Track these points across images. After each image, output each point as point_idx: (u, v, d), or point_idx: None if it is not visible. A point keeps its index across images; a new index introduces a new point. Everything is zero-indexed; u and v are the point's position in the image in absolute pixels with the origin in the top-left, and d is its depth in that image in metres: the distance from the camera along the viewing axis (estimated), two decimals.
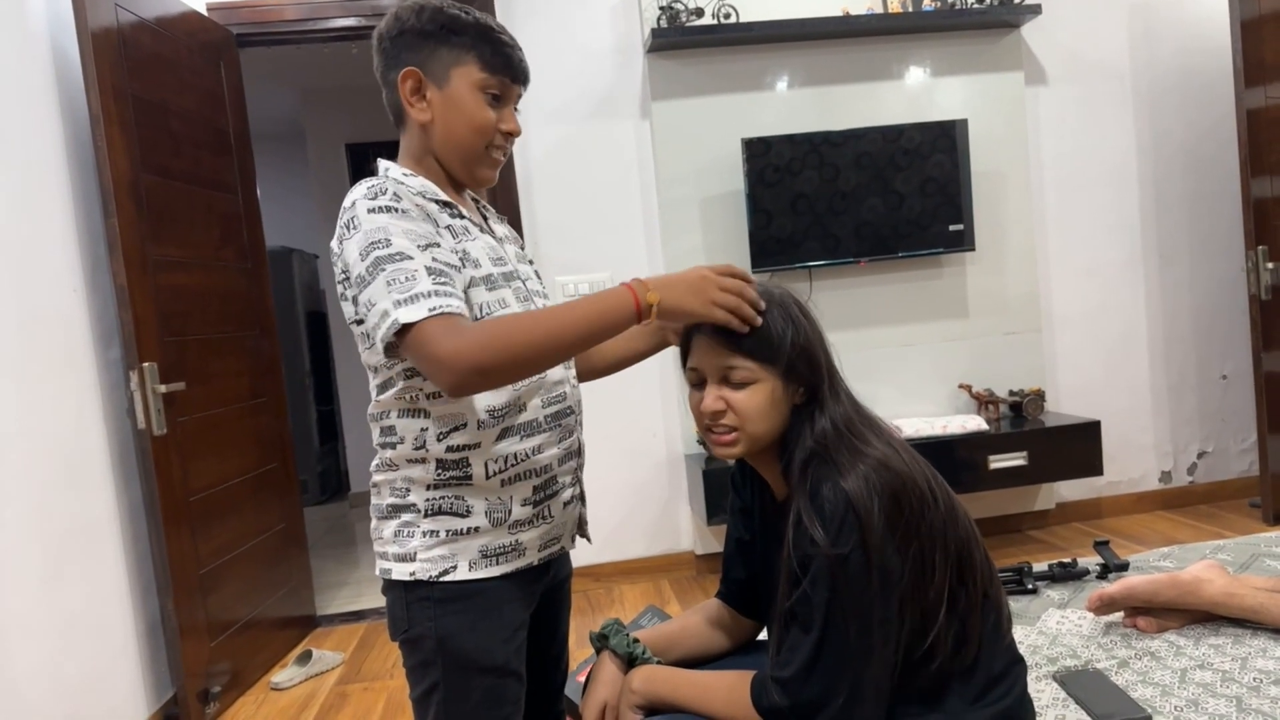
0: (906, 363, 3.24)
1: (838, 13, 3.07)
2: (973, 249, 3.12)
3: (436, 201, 1.08)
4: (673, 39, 2.95)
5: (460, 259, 1.06)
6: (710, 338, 1.07)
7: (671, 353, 1.19)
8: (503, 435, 1.09)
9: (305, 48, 3.23)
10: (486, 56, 1.10)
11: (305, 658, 2.69)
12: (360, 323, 1.07)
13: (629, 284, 1.03)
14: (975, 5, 3.09)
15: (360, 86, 4.70)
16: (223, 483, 2.59)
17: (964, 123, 3.08)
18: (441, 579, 1.07)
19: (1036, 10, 3.10)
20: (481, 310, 1.06)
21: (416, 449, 1.08)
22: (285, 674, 2.63)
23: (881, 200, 3.05)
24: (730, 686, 1.08)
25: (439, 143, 1.12)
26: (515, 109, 1.16)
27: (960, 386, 3.23)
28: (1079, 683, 1.33)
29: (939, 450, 2.89)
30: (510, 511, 1.10)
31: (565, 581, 1.29)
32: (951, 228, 3.09)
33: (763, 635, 1.29)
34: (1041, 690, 1.33)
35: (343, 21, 2.95)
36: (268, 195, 3.33)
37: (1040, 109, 3.31)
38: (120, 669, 2.28)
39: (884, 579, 0.97)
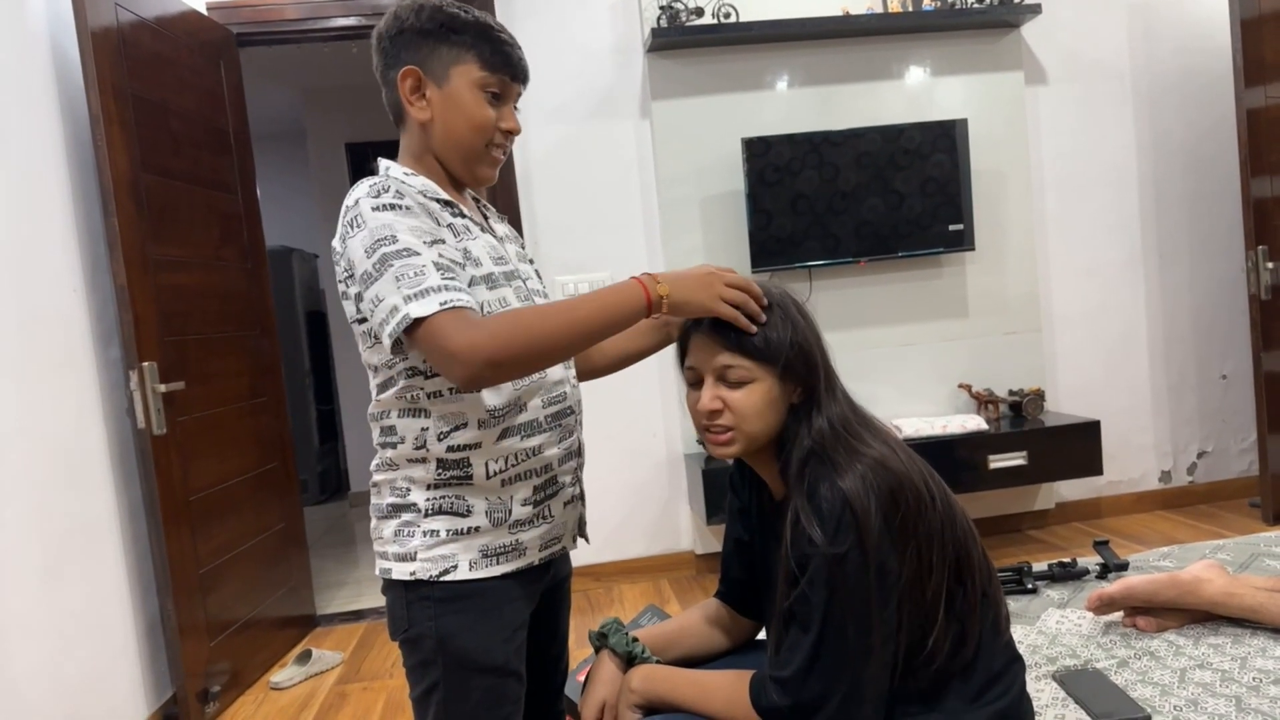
0: (906, 362, 3.24)
1: (838, 12, 3.07)
2: (972, 249, 3.12)
3: (438, 200, 1.08)
4: (673, 38, 2.95)
5: (463, 257, 1.06)
6: (707, 336, 1.07)
7: (671, 352, 1.19)
8: (503, 435, 1.09)
9: (305, 47, 3.24)
10: (486, 55, 1.10)
11: (305, 657, 2.70)
12: (362, 321, 1.07)
13: (639, 278, 1.04)
14: (975, 5, 3.09)
15: (360, 86, 4.69)
16: (222, 482, 2.59)
17: (964, 122, 3.08)
18: (442, 578, 1.07)
19: (1036, 10, 3.10)
20: (483, 309, 1.06)
21: (417, 448, 1.08)
22: (285, 674, 2.63)
23: (881, 200, 3.05)
24: (729, 686, 1.08)
25: (439, 141, 1.12)
26: (515, 107, 1.16)
27: (960, 386, 3.23)
28: (1078, 682, 1.33)
29: (939, 450, 2.89)
30: (511, 511, 1.10)
31: (565, 581, 1.29)
32: (951, 227, 3.09)
33: (762, 635, 1.29)
34: (1041, 690, 1.33)
35: (343, 21, 2.95)
36: (268, 195, 3.33)
37: (1040, 109, 3.31)
38: (120, 669, 2.28)
39: (882, 578, 0.97)
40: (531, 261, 1.26)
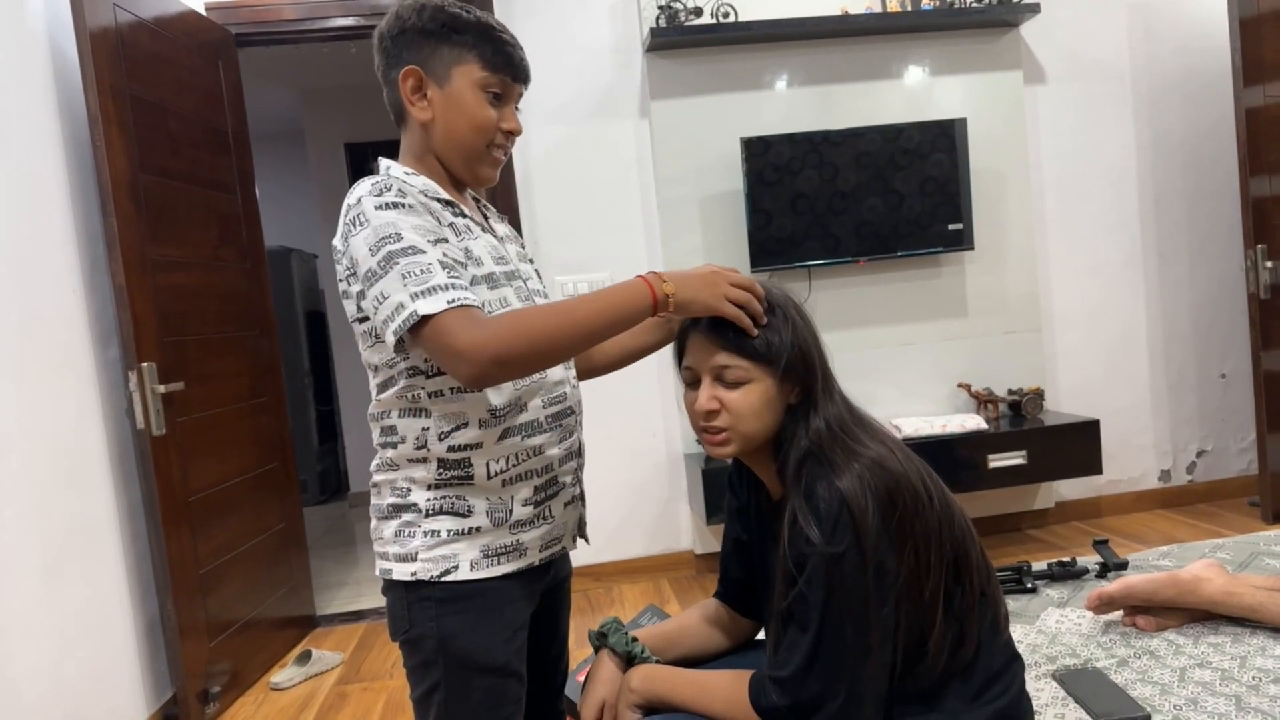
0: (906, 362, 3.24)
1: (837, 12, 3.07)
2: (972, 248, 3.13)
3: (439, 200, 1.08)
4: (672, 38, 2.95)
5: (464, 256, 1.06)
6: (705, 336, 1.07)
7: (671, 351, 1.19)
8: (505, 435, 1.09)
9: (304, 47, 3.24)
10: (488, 55, 1.10)
11: (305, 658, 2.69)
12: (364, 320, 1.07)
13: (644, 277, 1.04)
14: (974, 4, 3.09)
15: (359, 86, 4.70)
16: (222, 483, 2.59)
17: (963, 122, 3.08)
18: (443, 579, 1.07)
19: (1035, 9, 3.10)
20: (484, 308, 1.06)
21: (418, 448, 1.08)
22: (285, 674, 2.63)
23: (881, 200, 3.05)
24: (729, 686, 1.08)
25: (440, 141, 1.12)
26: (516, 108, 1.16)
27: (959, 386, 3.23)
28: (1078, 681, 1.33)
29: (938, 449, 2.89)
30: (511, 511, 1.10)
31: (565, 581, 1.29)
32: (951, 227, 3.09)
33: (761, 635, 1.29)
34: (1041, 689, 1.33)
35: (341, 21, 2.95)
36: (267, 195, 3.33)
37: (1039, 108, 3.31)
38: (120, 669, 2.28)
39: (879, 578, 0.97)
40: (531, 261, 1.26)
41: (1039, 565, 1.83)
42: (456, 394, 1.06)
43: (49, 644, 2.01)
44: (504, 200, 2.99)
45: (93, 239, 2.37)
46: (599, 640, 1.24)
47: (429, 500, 1.08)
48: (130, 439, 2.40)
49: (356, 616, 3.18)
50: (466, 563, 1.08)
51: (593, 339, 1.02)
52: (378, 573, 1.13)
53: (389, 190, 1.02)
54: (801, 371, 1.06)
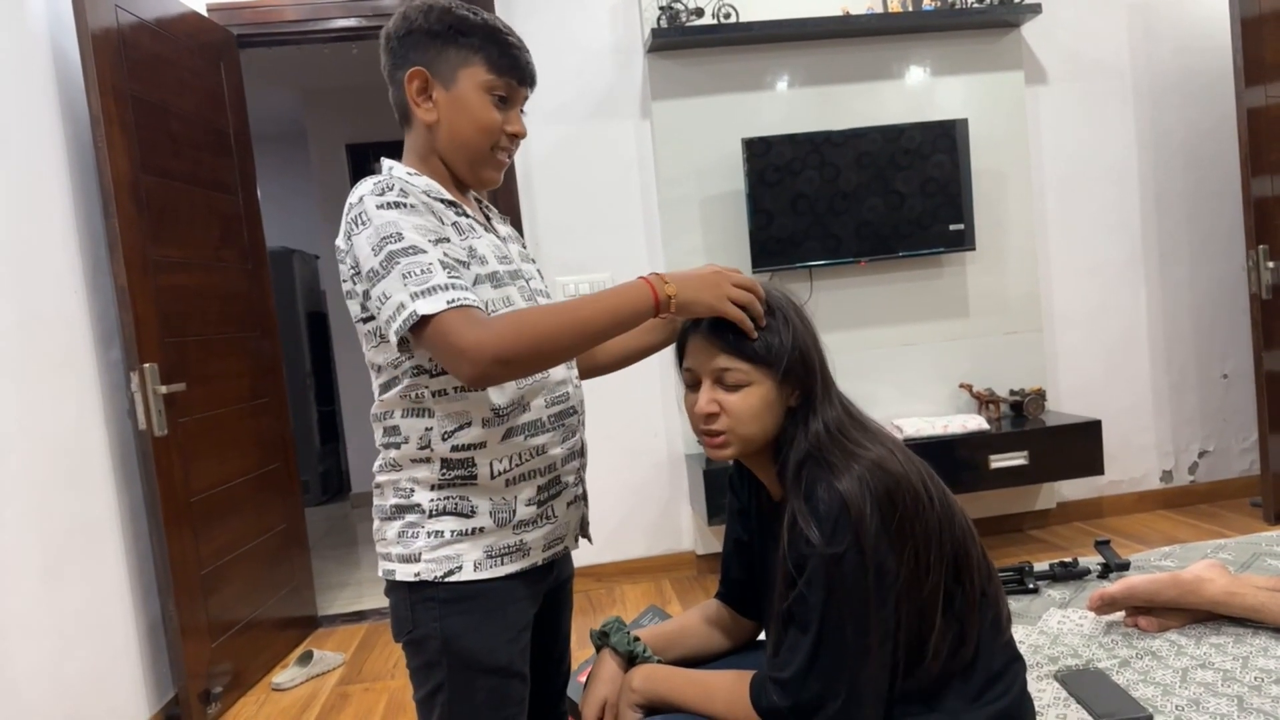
0: (907, 362, 3.24)
1: (838, 12, 3.07)
2: (973, 248, 3.12)
3: (442, 200, 1.08)
4: (673, 39, 2.95)
5: (467, 255, 1.06)
6: (705, 338, 1.07)
7: (672, 352, 1.19)
8: (508, 434, 1.09)
9: (306, 48, 3.24)
10: (494, 58, 1.10)
11: (306, 658, 2.70)
12: (367, 320, 1.07)
13: (646, 278, 1.04)
14: (975, 5, 3.08)
15: (361, 87, 4.71)
16: (224, 483, 2.59)
17: (964, 122, 3.08)
18: (446, 579, 1.07)
19: (1036, 10, 3.10)
20: (488, 307, 1.06)
21: (421, 449, 1.08)
22: (286, 674, 2.63)
23: (882, 200, 3.05)
24: (730, 686, 1.08)
25: (444, 143, 1.12)
26: (521, 111, 1.16)
27: (961, 386, 3.23)
28: (1080, 682, 1.33)
29: (939, 450, 2.89)
30: (515, 511, 1.10)
31: (567, 582, 1.30)
32: (952, 227, 3.09)
33: (763, 635, 1.29)
34: (1043, 690, 1.33)
35: (343, 22, 2.95)
36: (268, 196, 3.33)
37: (1040, 108, 3.31)
38: (121, 669, 2.28)
39: (879, 578, 0.97)
40: (533, 261, 1.26)
41: (1041, 566, 1.83)
42: (460, 393, 1.06)
43: (49, 644, 2.01)
44: (505, 200, 2.99)
45: (94, 240, 2.37)
46: (600, 639, 1.24)
47: (432, 501, 1.08)
48: (131, 439, 2.40)
49: (358, 617, 3.18)
50: (470, 563, 1.08)
51: (594, 339, 1.02)
52: (381, 573, 1.13)
53: (391, 190, 1.02)
54: (801, 374, 1.06)
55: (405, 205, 1.01)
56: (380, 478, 1.13)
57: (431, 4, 1.10)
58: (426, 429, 1.07)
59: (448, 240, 1.03)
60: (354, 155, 4.90)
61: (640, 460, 3.19)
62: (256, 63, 3.66)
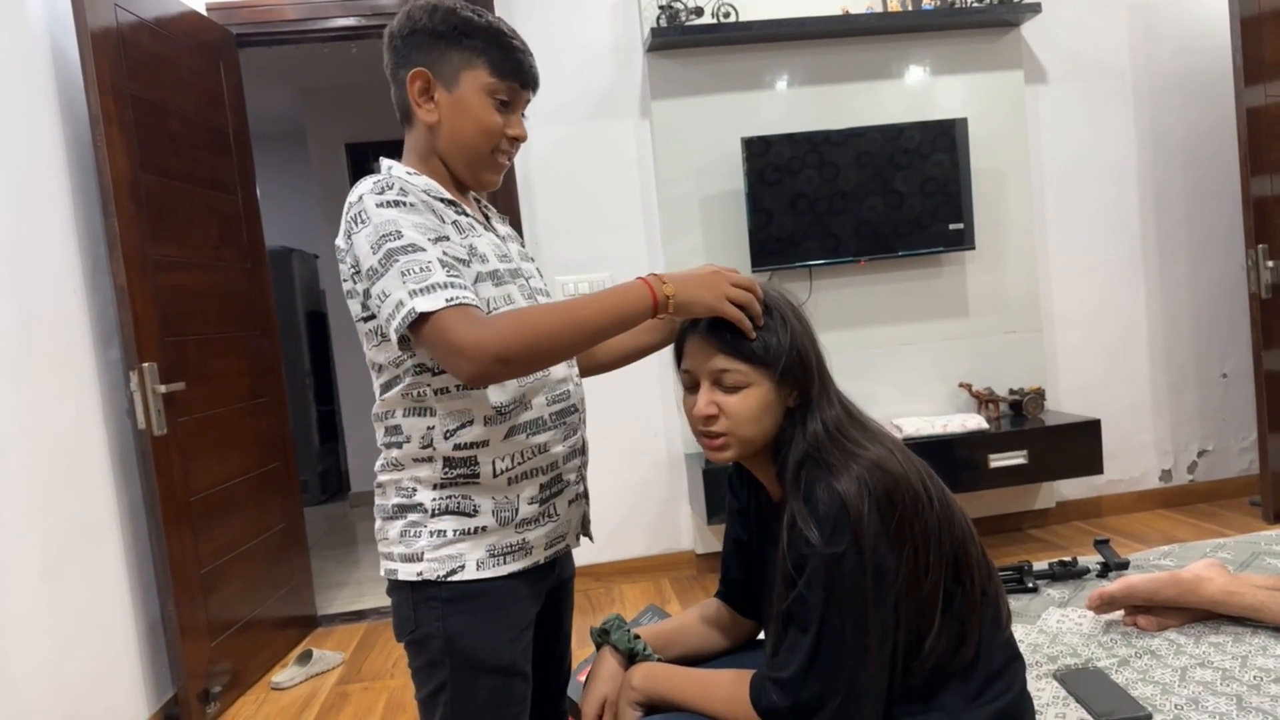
0: (906, 361, 3.24)
1: (837, 11, 3.07)
2: (973, 248, 3.12)
3: (441, 199, 1.08)
4: (672, 38, 2.95)
5: (468, 253, 1.06)
6: (704, 339, 1.07)
7: (671, 352, 1.19)
8: (510, 433, 1.09)
9: (305, 47, 3.23)
10: (497, 61, 1.10)
11: (306, 657, 2.70)
12: (368, 319, 1.07)
13: (645, 278, 1.04)
14: (975, 4, 3.08)
15: (360, 86, 4.70)
16: (223, 483, 2.59)
17: (964, 121, 3.08)
18: (449, 579, 1.07)
19: (1036, 9, 3.10)
20: (488, 306, 1.06)
21: (423, 447, 1.08)
22: (286, 674, 2.63)
23: (881, 199, 3.05)
24: (730, 686, 1.08)
25: (445, 144, 1.12)
26: (523, 114, 1.16)
27: (960, 385, 3.23)
28: (1079, 681, 1.33)
29: (939, 449, 2.89)
30: (518, 510, 1.10)
31: (569, 581, 1.30)
32: (951, 227, 3.09)
33: (762, 635, 1.29)
34: (1042, 689, 1.33)
35: (342, 21, 2.95)
36: (267, 195, 3.33)
37: (1040, 108, 3.31)
38: (120, 669, 2.28)
39: (879, 578, 0.97)
40: (532, 260, 1.26)
41: (1040, 565, 1.83)
42: (462, 391, 1.06)
43: (49, 644, 2.01)
44: (505, 200, 2.99)
45: (93, 239, 2.37)
46: (601, 637, 1.24)
47: (435, 500, 1.08)
48: (131, 439, 2.40)
49: (357, 616, 3.18)
50: (473, 562, 1.08)
51: (593, 339, 1.02)
52: (383, 573, 1.13)
53: (390, 189, 1.02)
54: (799, 374, 1.06)
55: (405, 204, 1.01)
56: (382, 477, 1.13)
57: (436, 4, 1.10)
58: (428, 428, 1.07)
59: (447, 239, 1.03)
60: (353, 154, 4.90)
61: (640, 460, 3.19)
62: (256, 62, 3.65)
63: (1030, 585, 1.73)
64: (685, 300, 1.04)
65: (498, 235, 1.18)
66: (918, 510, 1.01)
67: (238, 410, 2.71)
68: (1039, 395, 3.17)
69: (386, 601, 1.13)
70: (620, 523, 3.19)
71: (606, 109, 3.10)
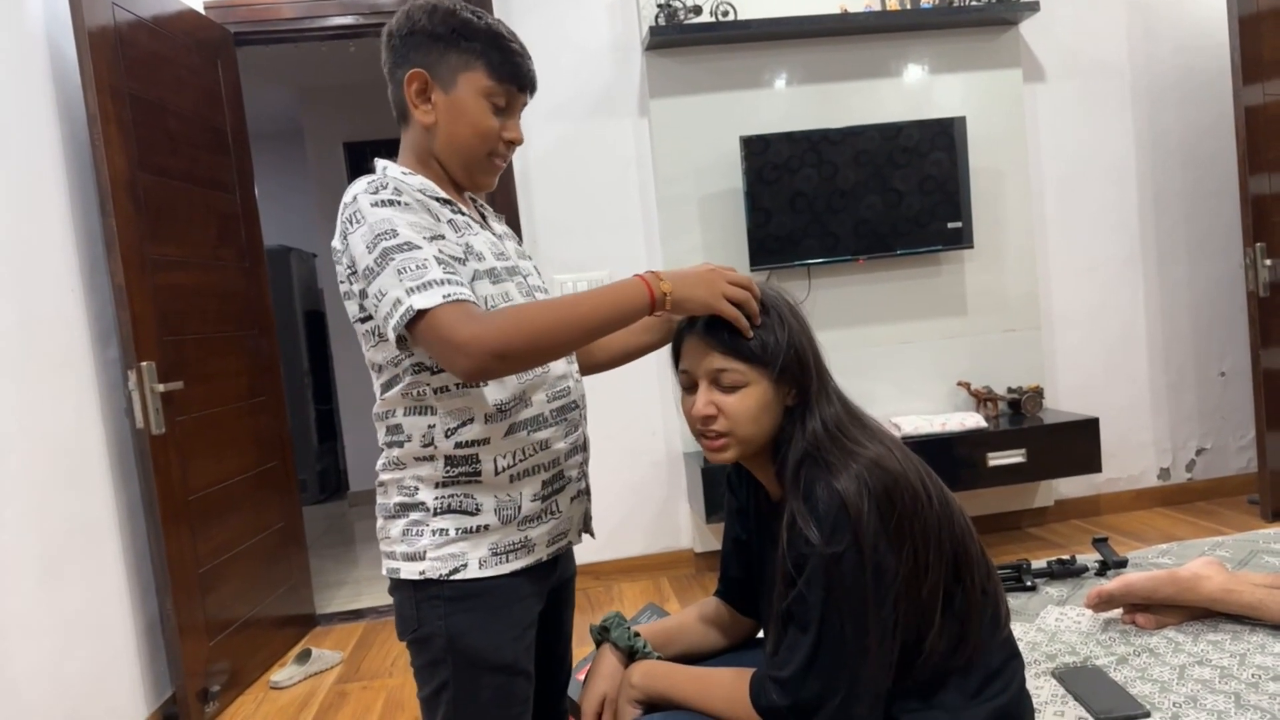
0: (905, 360, 3.24)
1: (836, 10, 3.06)
2: (971, 246, 3.13)
3: (436, 199, 1.08)
4: (671, 36, 2.95)
5: (464, 252, 1.06)
6: (701, 339, 1.07)
7: (669, 351, 1.19)
8: (511, 430, 1.09)
9: (303, 46, 3.24)
10: (495, 64, 1.10)
11: (304, 656, 2.70)
12: (366, 320, 1.07)
13: (642, 275, 1.04)
14: (973, 3, 3.08)
15: (358, 85, 4.70)
16: (222, 482, 2.59)
17: (962, 120, 3.08)
18: (452, 577, 1.07)
19: (1035, 7, 3.10)
20: (487, 303, 1.06)
21: (424, 446, 1.08)
22: (284, 673, 2.63)
23: (880, 198, 3.05)
24: (730, 684, 1.08)
25: (441, 146, 1.12)
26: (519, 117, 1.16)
27: (959, 384, 3.24)
28: (1078, 679, 1.33)
29: (937, 447, 2.89)
30: (520, 508, 1.10)
31: (570, 580, 1.30)
32: (950, 225, 3.09)
33: (761, 633, 1.29)
34: (1040, 687, 1.33)
35: (341, 20, 2.95)
36: (266, 194, 3.33)
37: (1039, 106, 3.31)
38: (119, 668, 2.28)
39: (878, 577, 0.97)
40: (530, 259, 1.26)
41: (1038, 563, 1.83)
42: (462, 390, 1.06)
43: (49, 644, 2.01)
44: (503, 199, 2.99)
45: (92, 238, 2.36)
46: (601, 634, 1.24)
47: (437, 499, 1.08)
48: (130, 438, 2.40)
49: (356, 615, 3.18)
50: (475, 561, 1.08)
51: (590, 335, 1.02)
52: (385, 572, 1.12)
53: (385, 188, 1.02)
54: (797, 373, 1.06)
55: (399, 203, 1.01)
56: (384, 476, 1.13)
57: (436, 4, 1.10)
58: (429, 426, 1.07)
59: (443, 237, 1.03)
60: (351, 153, 4.90)
61: (639, 459, 3.19)
62: (254, 60, 3.65)
63: (1029, 583, 1.73)
64: (682, 297, 1.04)
65: (494, 233, 1.18)
66: (917, 509, 1.01)
67: (236, 409, 2.71)
68: (1037, 394, 3.17)
69: (385, 600, 1.14)
70: (620, 522, 3.19)
71: (605, 108, 3.10)
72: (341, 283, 1.08)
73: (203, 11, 2.83)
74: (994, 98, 3.21)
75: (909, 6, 3.10)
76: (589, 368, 1.31)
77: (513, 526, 1.10)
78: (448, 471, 1.08)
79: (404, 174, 1.10)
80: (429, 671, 1.09)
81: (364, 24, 2.95)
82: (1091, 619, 1.56)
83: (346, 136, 4.89)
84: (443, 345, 0.96)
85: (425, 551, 1.08)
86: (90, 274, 2.35)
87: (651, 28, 2.93)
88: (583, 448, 1.21)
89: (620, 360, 1.33)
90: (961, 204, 3.09)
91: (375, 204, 1.01)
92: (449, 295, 0.96)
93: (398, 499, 1.10)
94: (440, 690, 1.08)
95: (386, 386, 1.10)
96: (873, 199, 3.05)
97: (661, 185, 3.09)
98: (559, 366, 1.15)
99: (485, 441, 1.07)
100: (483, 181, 1.17)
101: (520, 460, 1.10)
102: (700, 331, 1.07)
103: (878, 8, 3.11)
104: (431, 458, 1.08)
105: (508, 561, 1.09)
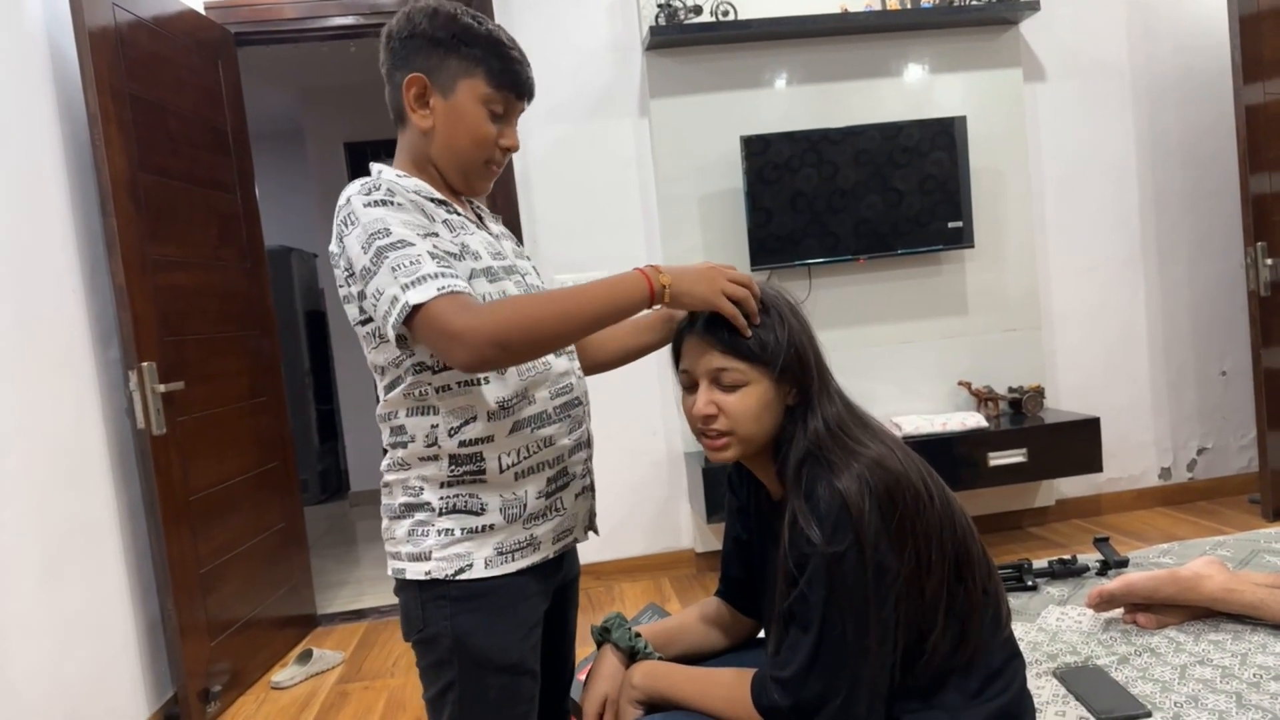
0: (906, 360, 3.24)
1: (836, 9, 3.06)
2: (972, 246, 3.12)
3: (431, 199, 1.09)
4: (671, 36, 2.95)
5: (460, 250, 1.06)
6: (701, 338, 1.07)
7: (669, 351, 1.19)
8: (515, 428, 1.09)
9: (303, 46, 3.24)
10: (495, 71, 1.10)
11: (306, 657, 2.70)
12: (366, 323, 1.07)
13: (642, 269, 1.04)
14: (974, 2, 3.08)
15: (359, 85, 4.70)
16: (223, 482, 2.59)
17: (963, 120, 3.08)
18: (457, 577, 1.07)
19: (1035, 7, 3.10)
20: (484, 301, 1.06)
21: (428, 446, 1.08)
22: (286, 673, 2.63)
23: (880, 197, 3.05)
24: (730, 684, 1.08)
25: (438, 151, 1.13)
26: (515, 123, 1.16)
27: (960, 384, 3.23)
28: (1079, 679, 1.33)
29: (938, 447, 2.89)
30: (525, 506, 1.10)
31: (575, 581, 1.30)
32: (950, 225, 3.09)
33: (762, 633, 1.29)
34: (1042, 686, 1.33)
35: (341, 20, 2.95)
36: (266, 194, 3.33)
37: (1039, 106, 3.31)
38: (120, 669, 2.28)
39: (880, 577, 0.97)
40: (528, 258, 1.26)
41: (1040, 563, 1.83)
42: (464, 388, 1.06)
43: (49, 644, 2.01)
44: (503, 199, 2.99)
45: (92, 239, 2.36)
46: (602, 635, 1.24)
47: (442, 499, 1.08)
48: (130, 439, 2.40)
49: (357, 615, 3.18)
50: (481, 560, 1.08)
51: (589, 327, 1.02)
52: (390, 572, 1.12)
53: (378, 189, 1.03)
54: (798, 372, 1.06)
55: (392, 203, 1.02)
56: (389, 477, 1.13)
57: (437, 8, 1.09)
58: (432, 426, 1.07)
59: (437, 235, 1.03)
60: (352, 153, 4.90)
61: (639, 459, 3.19)
62: (254, 61, 3.65)
63: (1030, 583, 1.73)
64: (681, 291, 1.04)
65: (490, 233, 1.18)
66: (919, 509, 1.01)
67: (237, 410, 2.71)
68: (1038, 393, 3.17)
69: (386, 601, 1.14)
70: (620, 522, 3.19)
71: (605, 108, 3.10)
72: (340, 286, 1.08)
73: (203, 12, 2.83)
74: (994, 97, 3.21)
75: (909, 6, 3.10)
76: (591, 368, 1.31)
77: (518, 525, 1.10)
78: (452, 471, 1.08)
79: (398, 176, 1.10)
80: (434, 672, 1.09)
81: (364, 24, 2.95)
82: (1093, 619, 1.56)
83: (347, 137, 4.89)
84: (440, 336, 0.96)
85: (431, 552, 1.08)
86: (91, 274, 2.35)
87: (651, 28, 2.93)
88: (587, 444, 1.21)
89: (621, 360, 1.33)
90: (962, 204, 3.09)
91: (368, 204, 1.01)
92: (443, 288, 0.96)
93: (403, 499, 1.10)
94: (446, 690, 1.08)
95: (389, 388, 1.10)
96: (873, 199, 3.05)
97: (662, 185, 3.08)
98: (560, 364, 1.15)
99: (489, 439, 1.07)
100: (478, 186, 1.17)
101: (525, 457, 1.10)
102: (700, 331, 1.07)
103: (878, 7, 3.11)
104: (436, 457, 1.08)
105: (513, 560, 1.09)
